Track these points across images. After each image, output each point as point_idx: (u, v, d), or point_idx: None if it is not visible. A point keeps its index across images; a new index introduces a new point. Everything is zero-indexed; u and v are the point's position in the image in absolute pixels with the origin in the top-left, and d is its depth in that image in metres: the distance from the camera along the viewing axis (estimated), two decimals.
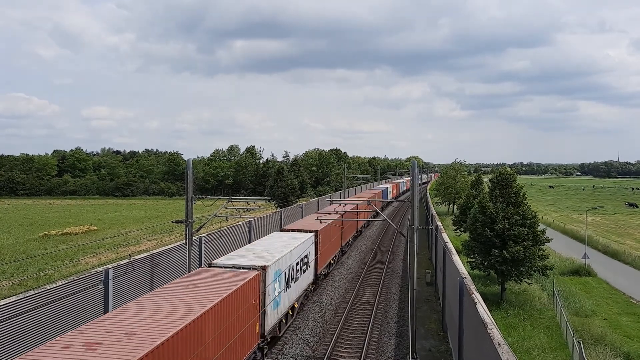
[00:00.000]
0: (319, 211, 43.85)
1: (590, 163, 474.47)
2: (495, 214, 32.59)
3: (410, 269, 19.47)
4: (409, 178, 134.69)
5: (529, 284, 34.34)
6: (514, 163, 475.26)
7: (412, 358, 19.25)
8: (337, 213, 34.57)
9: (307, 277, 27.96)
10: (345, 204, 43.30)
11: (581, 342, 22.02)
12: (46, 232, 66.25)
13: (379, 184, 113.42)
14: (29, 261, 45.45)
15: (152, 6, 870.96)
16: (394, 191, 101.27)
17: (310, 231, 30.31)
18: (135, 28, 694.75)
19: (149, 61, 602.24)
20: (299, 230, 30.77)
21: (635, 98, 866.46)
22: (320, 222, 31.49)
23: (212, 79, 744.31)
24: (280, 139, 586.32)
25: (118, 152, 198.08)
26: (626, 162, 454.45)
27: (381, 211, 74.75)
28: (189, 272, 21.85)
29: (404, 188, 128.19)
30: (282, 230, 32.20)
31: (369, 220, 60.37)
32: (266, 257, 21.31)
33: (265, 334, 20.08)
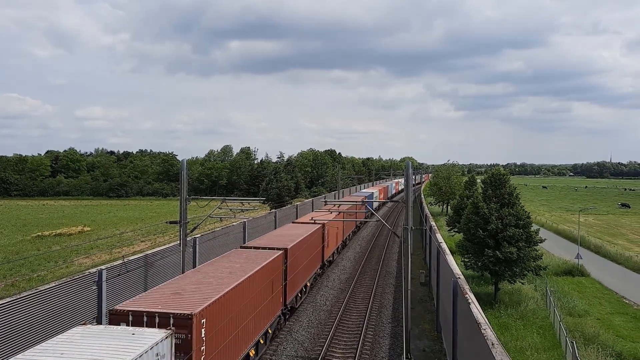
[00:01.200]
0: (244, 245, 27.01)
1: (583, 164, 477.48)
2: (489, 215, 32.70)
3: (405, 269, 19.53)
4: (398, 180, 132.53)
5: (522, 283, 34.49)
6: (508, 163, 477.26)
7: (406, 358, 19.32)
8: (272, 252, 22.82)
9: None
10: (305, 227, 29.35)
11: (574, 342, 22.16)
12: (39, 233, 65.87)
13: (362, 188, 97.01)
14: (21, 262, 45.17)
15: (148, 6, 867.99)
16: (381, 196, 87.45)
17: (171, 324, 13.71)
18: (130, 28, 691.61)
19: (144, 61, 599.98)
20: (146, 315, 14.02)
21: (628, 99, 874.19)
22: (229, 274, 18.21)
23: (207, 79, 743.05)
24: (275, 139, 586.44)
25: (112, 153, 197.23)
26: (618, 163, 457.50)
27: (375, 212, 74.27)
28: (183, 273, 21.82)
29: (393, 192, 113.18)
30: (111, 313, 14.44)
31: (344, 241, 46.68)
32: None
33: None
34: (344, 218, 40.18)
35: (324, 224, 31.70)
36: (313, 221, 31.94)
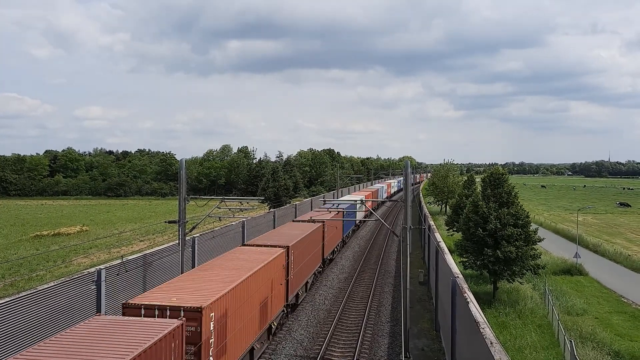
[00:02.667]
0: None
1: (581, 163, 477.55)
2: (488, 214, 32.75)
3: (403, 268, 19.57)
4: (390, 182, 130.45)
5: (521, 283, 34.54)
6: (506, 163, 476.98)
7: (405, 357, 19.36)
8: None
9: None
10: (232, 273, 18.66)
11: (572, 341, 22.21)
12: (38, 233, 65.79)
13: (342, 194, 76.98)
14: (20, 262, 45.15)
15: (147, 6, 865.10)
16: (368, 204, 62.62)
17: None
18: (129, 28, 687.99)
19: (143, 61, 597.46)
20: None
21: (626, 98, 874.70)
22: None
23: (206, 79, 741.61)
24: (274, 138, 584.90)
25: (110, 152, 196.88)
26: (617, 162, 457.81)
27: (374, 211, 74.08)
28: (182, 273, 21.83)
29: (385, 195, 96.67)
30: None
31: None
32: None
33: None
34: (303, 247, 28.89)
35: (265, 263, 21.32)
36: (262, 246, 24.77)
